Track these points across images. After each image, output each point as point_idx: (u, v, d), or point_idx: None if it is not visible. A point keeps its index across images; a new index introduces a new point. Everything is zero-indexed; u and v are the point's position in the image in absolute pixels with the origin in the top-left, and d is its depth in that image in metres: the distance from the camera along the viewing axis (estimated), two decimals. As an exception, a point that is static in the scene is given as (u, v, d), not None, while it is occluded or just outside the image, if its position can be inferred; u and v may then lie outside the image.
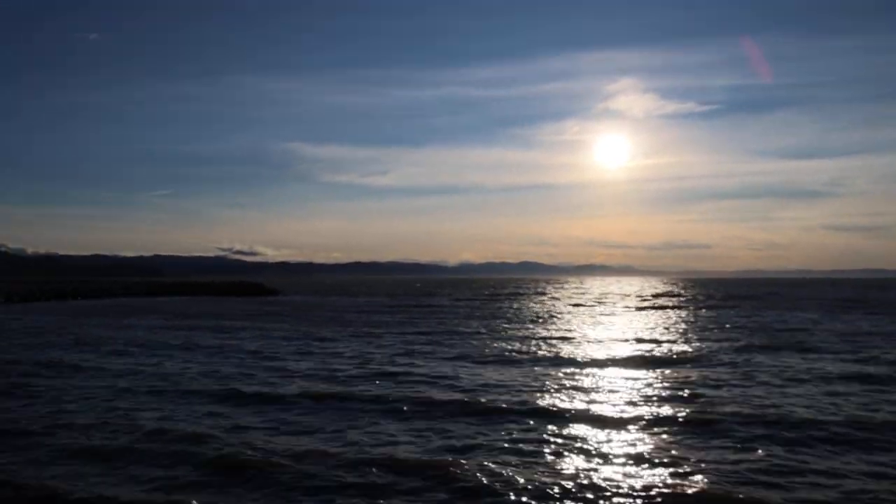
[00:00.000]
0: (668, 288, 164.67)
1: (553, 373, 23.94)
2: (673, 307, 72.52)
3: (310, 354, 29.59)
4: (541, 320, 52.00)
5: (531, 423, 16.13)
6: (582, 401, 18.61)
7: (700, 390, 20.09)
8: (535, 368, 25.19)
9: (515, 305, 77.86)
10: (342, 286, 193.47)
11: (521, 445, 14.13)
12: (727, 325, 45.09)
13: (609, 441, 14.43)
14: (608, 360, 27.34)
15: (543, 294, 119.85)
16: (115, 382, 22.06)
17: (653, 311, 65.93)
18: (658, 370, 24.40)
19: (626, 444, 14.20)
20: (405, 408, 17.89)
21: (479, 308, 70.98)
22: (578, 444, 14.17)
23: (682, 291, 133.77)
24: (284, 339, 35.91)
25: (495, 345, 33.29)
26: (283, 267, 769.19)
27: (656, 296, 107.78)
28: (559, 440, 14.54)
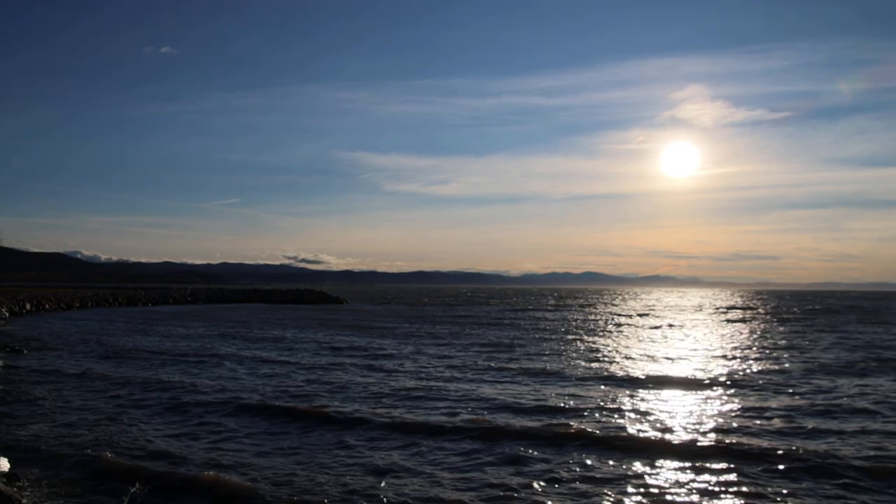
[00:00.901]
0: (738, 300, 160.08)
1: (634, 393, 22.11)
2: (749, 321, 69.55)
3: (372, 370, 28.32)
4: (610, 333, 49.88)
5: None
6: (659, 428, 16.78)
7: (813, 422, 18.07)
8: (626, 389, 23.35)
9: (580, 317, 75.55)
10: (405, 294, 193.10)
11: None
12: (815, 343, 42.41)
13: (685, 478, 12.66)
14: (690, 380, 25.35)
15: (609, 304, 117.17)
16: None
17: (730, 324, 63.16)
18: (746, 392, 22.36)
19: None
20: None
21: (543, 320, 68.96)
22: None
23: (755, 304, 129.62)
24: (345, 354, 34.74)
25: (571, 362, 31.50)
26: (347, 275, 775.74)
27: (729, 308, 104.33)
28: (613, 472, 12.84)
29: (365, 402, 20.24)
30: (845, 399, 21.10)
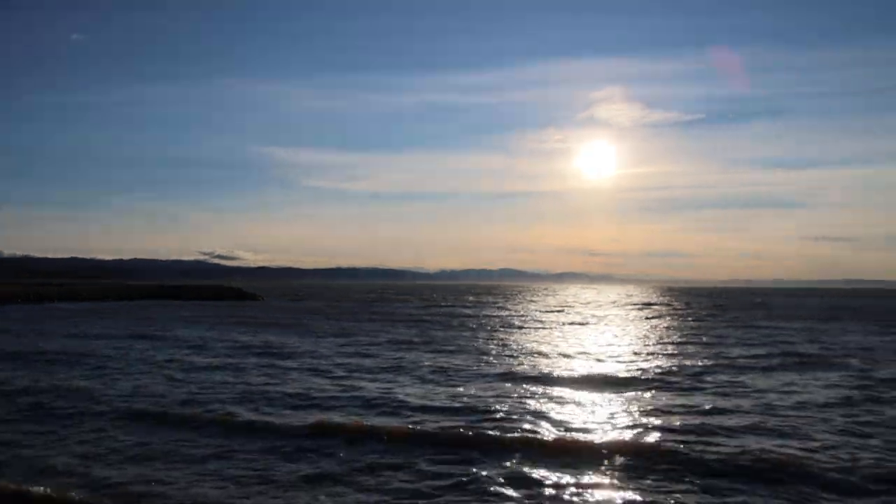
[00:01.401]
0: (651, 297, 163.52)
1: (529, 390, 22.00)
2: (661, 317, 70.85)
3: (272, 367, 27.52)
4: (526, 330, 50.01)
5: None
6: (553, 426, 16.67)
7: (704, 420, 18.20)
8: (523, 386, 23.17)
9: (497, 313, 75.70)
10: (322, 291, 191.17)
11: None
12: (724, 339, 43.29)
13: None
14: (583, 378, 25.38)
15: (525, 301, 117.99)
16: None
17: (643, 320, 64.19)
18: (646, 390, 22.51)
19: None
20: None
21: (460, 316, 68.82)
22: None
23: (667, 300, 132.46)
24: (249, 351, 33.81)
25: (473, 358, 31.30)
26: (263, 271, 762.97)
27: (643, 305, 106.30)
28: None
29: (272, 405, 19.47)
30: (753, 395, 21.41)
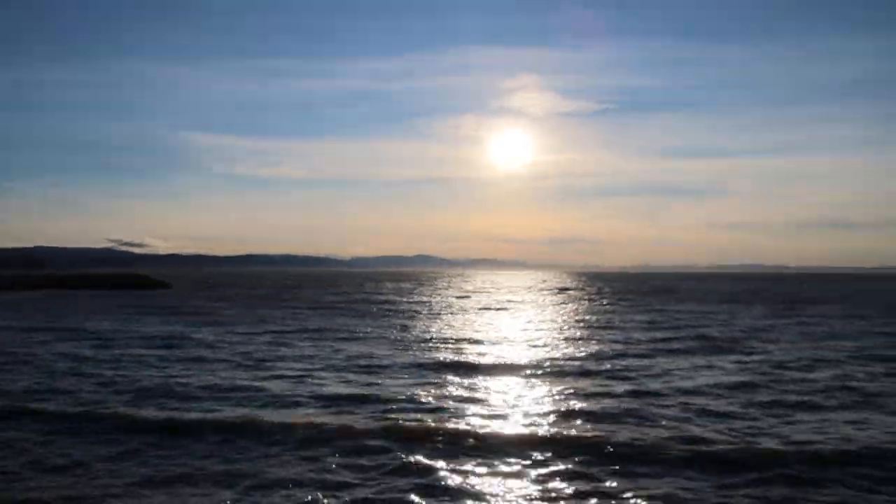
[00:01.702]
0: (565, 282, 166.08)
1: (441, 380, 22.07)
2: (573, 302, 72.05)
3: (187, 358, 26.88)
4: (441, 317, 50.10)
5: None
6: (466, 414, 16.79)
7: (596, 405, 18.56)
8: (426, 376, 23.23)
9: (411, 300, 75.61)
10: (235, 278, 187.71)
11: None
12: (635, 324, 44.26)
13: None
14: (495, 366, 25.61)
15: (440, 288, 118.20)
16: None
17: (557, 306, 65.14)
18: (554, 377, 22.86)
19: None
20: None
21: (375, 303, 68.50)
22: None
23: (580, 286, 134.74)
24: (159, 340, 32.95)
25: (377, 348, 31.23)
26: (174, 259, 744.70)
27: (558, 290, 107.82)
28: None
29: (175, 399, 18.91)
30: (664, 378, 22.00)
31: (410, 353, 28.68)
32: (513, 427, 15.60)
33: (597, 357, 27.03)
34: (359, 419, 16.24)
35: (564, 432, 15.05)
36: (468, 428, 15.42)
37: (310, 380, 21.78)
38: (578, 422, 16.03)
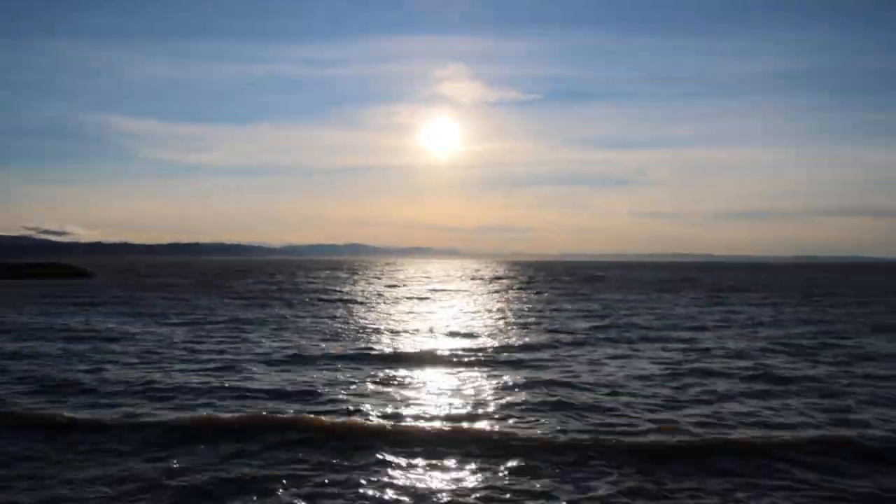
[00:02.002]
0: (495, 271, 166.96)
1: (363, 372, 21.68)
2: (504, 291, 72.26)
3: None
4: (363, 306, 49.55)
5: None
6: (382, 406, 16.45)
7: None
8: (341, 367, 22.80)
9: (343, 289, 74.73)
10: (161, 267, 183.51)
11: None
12: (563, 311, 44.45)
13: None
14: (419, 356, 25.31)
15: (369, 276, 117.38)
16: None
17: (487, 294, 65.19)
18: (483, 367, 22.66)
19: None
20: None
21: (306, 292, 67.49)
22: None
23: (510, 274, 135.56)
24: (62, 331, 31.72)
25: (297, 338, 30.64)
26: (97, 247, 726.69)
27: (490, 279, 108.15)
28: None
29: (82, 395, 18.05)
30: (593, 368, 21.97)
31: (337, 343, 28.16)
32: (429, 421, 15.21)
33: (527, 347, 26.95)
34: (273, 413, 15.74)
35: (478, 426, 14.76)
36: (380, 423, 15.04)
37: (226, 373, 21.12)
38: (498, 415, 15.78)
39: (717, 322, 36.96)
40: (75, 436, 14.12)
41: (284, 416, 15.47)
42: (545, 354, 25.04)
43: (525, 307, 48.10)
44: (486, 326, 34.97)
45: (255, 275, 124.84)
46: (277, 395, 18.02)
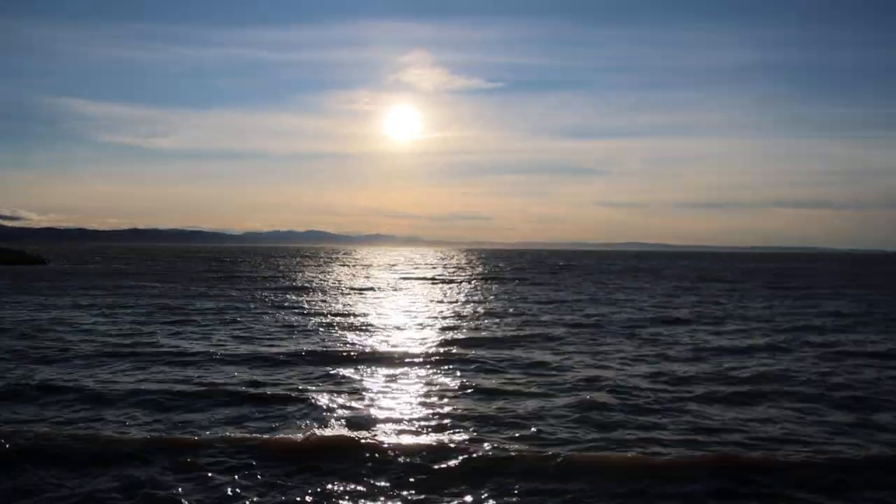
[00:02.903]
0: (457, 260, 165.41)
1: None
2: (470, 281, 70.42)
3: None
4: (319, 298, 47.08)
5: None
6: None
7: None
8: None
9: (304, 279, 72.17)
10: (118, 254, 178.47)
11: None
12: (533, 304, 42.61)
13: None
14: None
15: (328, 265, 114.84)
16: None
17: (451, 285, 63.23)
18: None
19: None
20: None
21: (266, 279, 64.70)
22: None
23: (474, 263, 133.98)
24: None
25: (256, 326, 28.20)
26: (51, 233, 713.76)
27: (453, 269, 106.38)
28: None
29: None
30: (562, 368, 19.93)
31: (292, 339, 25.60)
32: (378, 433, 13.00)
33: (491, 343, 24.67)
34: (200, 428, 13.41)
35: (416, 441, 12.62)
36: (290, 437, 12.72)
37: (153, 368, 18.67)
38: (446, 427, 13.57)
39: (708, 316, 35.19)
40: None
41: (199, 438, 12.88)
42: (509, 352, 22.48)
43: (492, 298, 46.04)
44: (446, 321, 32.64)
45: (215, 263, 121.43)
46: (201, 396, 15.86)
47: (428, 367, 20.09)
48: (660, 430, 13.48)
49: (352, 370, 19.33)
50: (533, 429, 13.38)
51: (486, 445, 12.15)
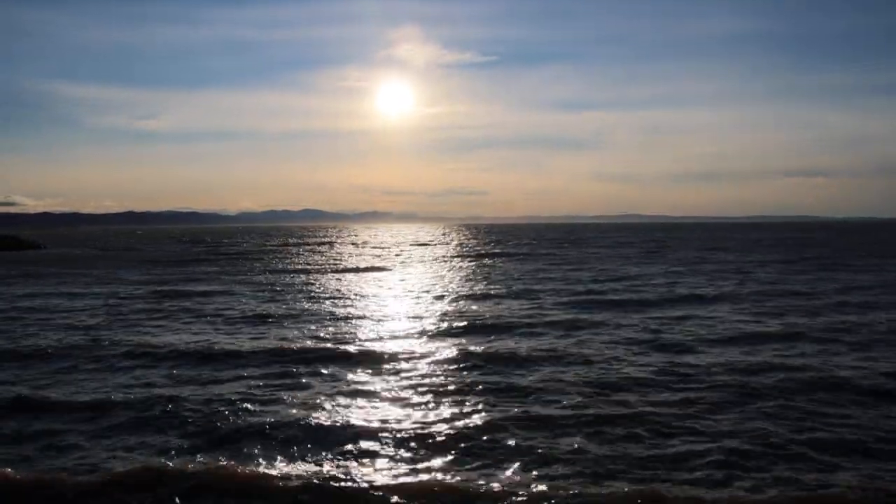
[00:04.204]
0: (457, 236, 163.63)
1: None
2: (470, 259, 68.61)
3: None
4: (313, 281, 45.14)
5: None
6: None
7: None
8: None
9: (293, 259, 70.31)
10: (114, 237, 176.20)
11: None
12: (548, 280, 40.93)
13: None
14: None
15: (326, 244, 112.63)
16: None
17: (452, 263, 61.43)
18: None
19: None
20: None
21: (248, 259, 62.81)
22: None
23: (469, 239, 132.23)
24: None
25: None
26: (46, 218, 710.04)
27: (456, 245, 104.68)
28: None
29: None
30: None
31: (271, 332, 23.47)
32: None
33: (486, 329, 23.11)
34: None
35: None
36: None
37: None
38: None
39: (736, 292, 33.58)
40: None
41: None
42: (519, 343, 20.78)
43: (503, 279, 44.18)
44: (448, 305, 30.79)
45: (213, 244, 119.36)
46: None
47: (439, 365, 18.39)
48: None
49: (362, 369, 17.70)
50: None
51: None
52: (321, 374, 16.52)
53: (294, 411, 13.33)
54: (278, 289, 37.51)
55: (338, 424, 12.55)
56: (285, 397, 14.35)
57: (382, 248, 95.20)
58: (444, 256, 70.68)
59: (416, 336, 21.76)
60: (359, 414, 13.22)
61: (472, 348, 19.27)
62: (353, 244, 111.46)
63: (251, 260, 67.20)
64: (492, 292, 34.10)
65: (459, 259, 65.56)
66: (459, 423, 12.40)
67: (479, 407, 13.47)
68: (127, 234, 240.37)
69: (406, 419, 12.79)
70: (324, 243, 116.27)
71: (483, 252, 77.94)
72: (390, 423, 12.53)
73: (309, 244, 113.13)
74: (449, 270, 50.64)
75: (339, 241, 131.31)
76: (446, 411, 13.23)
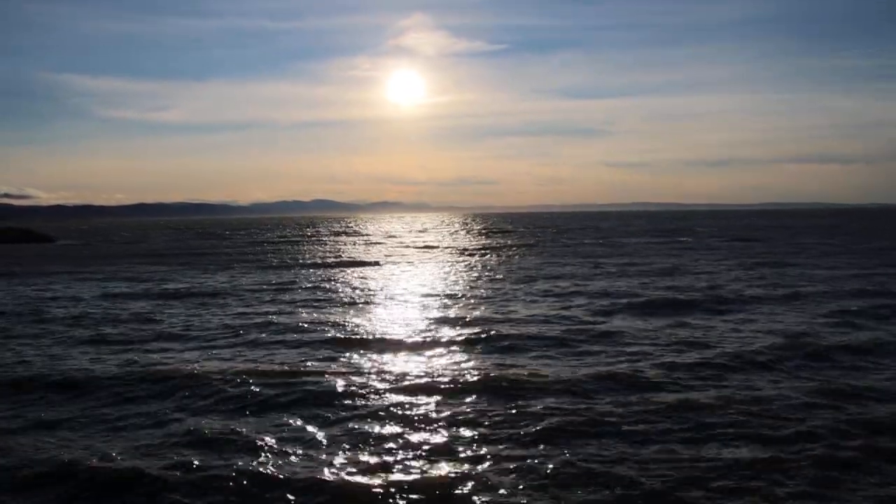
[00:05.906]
0: (470, 226, 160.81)
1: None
2: (492, 250, 65.53)
3: None
4: (325, 274, 41.96)
5: None
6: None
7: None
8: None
9: (308, 250, 67.33)
10: (126, 229, 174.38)
11: None
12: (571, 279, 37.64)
13: None
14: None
15: (338, 234, 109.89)
16: None
17: (472, 255, 58.28)
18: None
19: None
20: None
21: (264, 253, 59.87)
22: None
23: (485, 229, 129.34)
24: None
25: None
26: (59, 210, 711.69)
27: (479, 233, 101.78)
28: None
29: None
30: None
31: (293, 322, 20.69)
32: None
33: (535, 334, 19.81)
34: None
35: None
36: None
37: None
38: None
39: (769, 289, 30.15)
40: None
41: None
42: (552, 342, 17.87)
43: (529, 272, 40.89)
44: (473, 300, 27.68)
45: (227, 235, 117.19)
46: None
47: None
48: None
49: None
50: None
51: None
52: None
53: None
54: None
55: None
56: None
57: (392, 237, 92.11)
58: (464, 250, 67.62)
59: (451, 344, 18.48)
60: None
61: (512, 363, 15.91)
62: (362, 235, 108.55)
63: (263, 254, 64.20)
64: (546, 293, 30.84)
65: (484, 253, 62.48)
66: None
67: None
68: (134, 226, 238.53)
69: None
70: (340, 233, 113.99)
71: (511, 244, 74.99)
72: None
73: (319, 235, 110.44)
74: (473, 266, 47.33)
75: (349, 231, 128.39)
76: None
